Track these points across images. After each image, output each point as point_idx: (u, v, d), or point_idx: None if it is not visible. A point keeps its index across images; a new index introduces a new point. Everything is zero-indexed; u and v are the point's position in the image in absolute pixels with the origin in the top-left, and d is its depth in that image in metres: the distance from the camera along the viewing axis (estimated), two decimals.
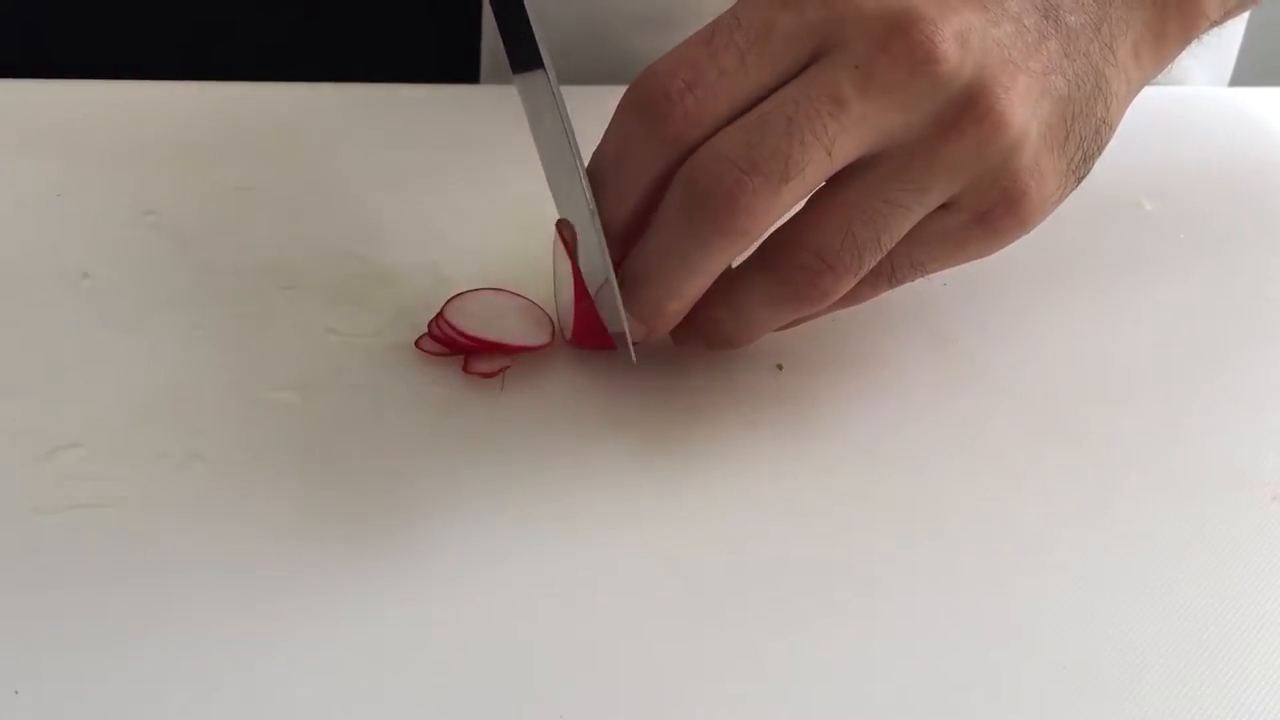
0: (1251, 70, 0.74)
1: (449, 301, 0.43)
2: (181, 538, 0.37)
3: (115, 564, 0.36)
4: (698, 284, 0.39)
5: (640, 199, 0.39)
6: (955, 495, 0.40)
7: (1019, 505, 0.40)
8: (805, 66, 0.37)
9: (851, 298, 0.40)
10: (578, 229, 0.40)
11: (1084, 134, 0.40)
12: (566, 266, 0.41)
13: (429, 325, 0.43)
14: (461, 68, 0.68)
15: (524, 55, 0.40)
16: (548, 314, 0.44)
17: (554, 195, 0.42)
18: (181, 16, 0.75)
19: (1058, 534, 0.39)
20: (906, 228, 0.39)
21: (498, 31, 0.41)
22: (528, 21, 0.40)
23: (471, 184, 0.52)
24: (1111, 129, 0.42)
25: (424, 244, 0.48)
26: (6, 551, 0.36)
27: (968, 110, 0.37)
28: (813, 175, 0.37)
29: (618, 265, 0.40)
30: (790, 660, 0.35)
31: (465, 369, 0.43)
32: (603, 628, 0.36)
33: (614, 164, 0.39)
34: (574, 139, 0.40)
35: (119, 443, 0.40)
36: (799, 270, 0.38)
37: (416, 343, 0.43)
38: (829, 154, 0.37)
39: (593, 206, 0.39)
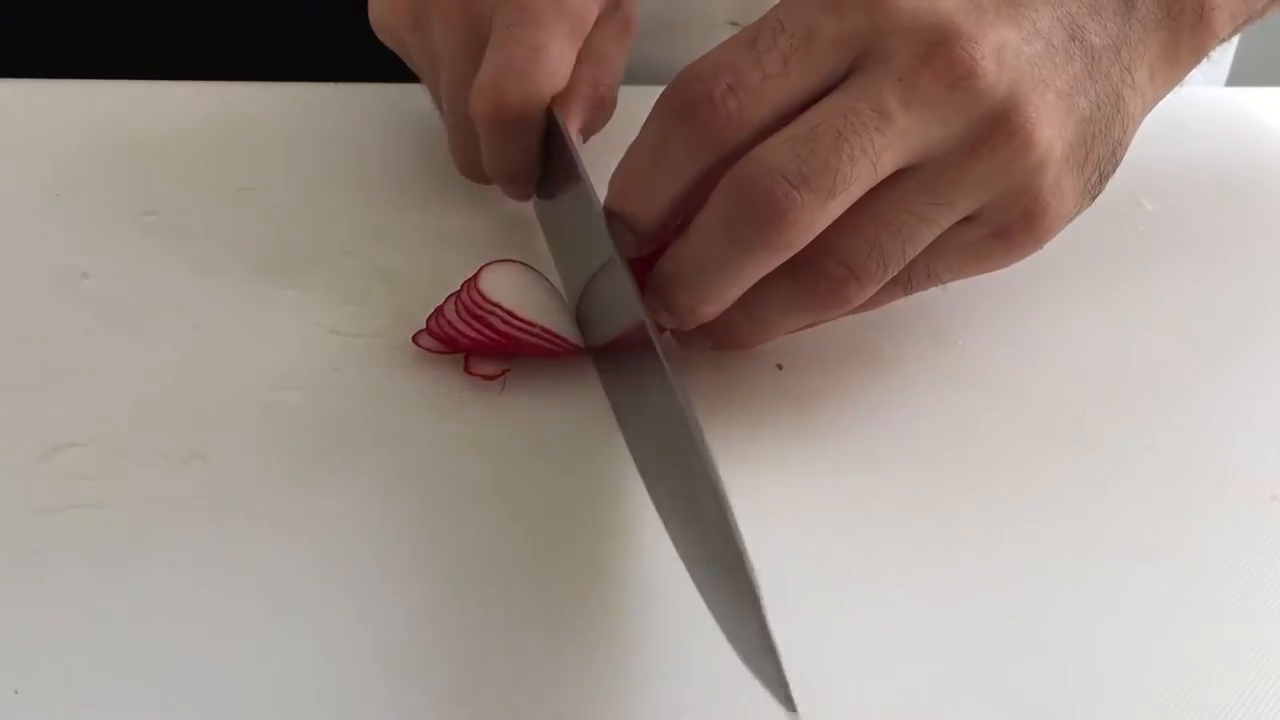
0: (1248, 70, 0.74)
1: (481, 269, 0.43)
2: (181, 538, 0.37)
3: (115, 564, 0.36)
4: (735, 291, 0.39)
5: (674, 198, 0.39)
6: (956, 495, 0.40)
7: (1019, 504, 0.40)
8: (845, 74, 0.38)
9: (865, 305, 0.40)
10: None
11: (1102, 155, 0.41)
12: None
13: (427, 321, 0.43)
14: None
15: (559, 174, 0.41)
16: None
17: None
18: (182, 17, 0.75)
19: (1058, 533, 0.39)
20: (930, 239, 0.39)
21: None
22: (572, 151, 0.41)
23: (470, 183, 0.52)
24: (1125, 149, 0.42)
25: (424, 244, 0.48)
26: (6, 551, 0.36)
27: (1000, 127, 0.37)
28: (858, 190, 0.37)
29: (648, 262, 0.40)
30: (790, 659, 0.35)
31: (466, 369, 0.43)
32: (603, 628, 0.36)
33: (650, 161, 0.39)
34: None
35: (119, 443, 0.40)
36: (824, 278, 0.38)
37: (414, 339, 0.43)
38: (874, 168, 0.37)
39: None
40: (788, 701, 0.31)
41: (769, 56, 0.37)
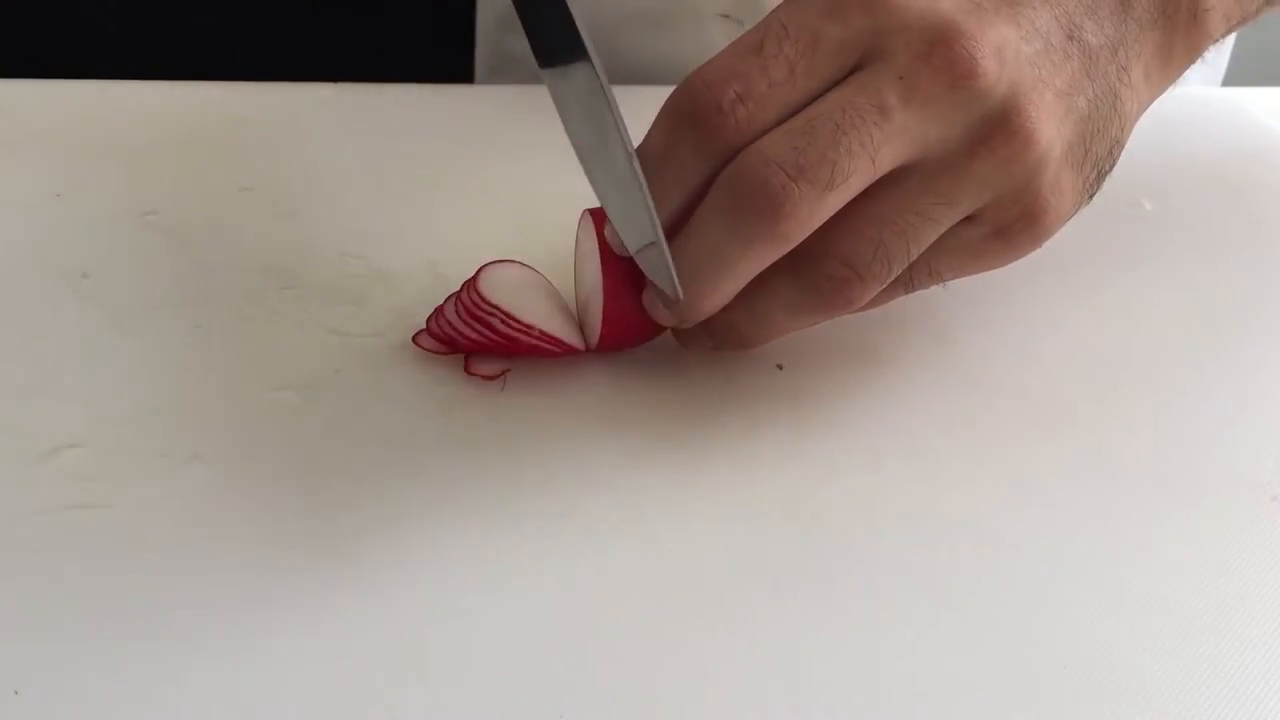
0: (1245, 71, 0.74)
1: (480, 270, 0.43)
2: (181, 538, 0.37)
3: (115, 564, 0.36)
4: (734, 285, 0.39)
5: (680, 203, 0.39)
6: (956, 494, 0.40)
7: (1019, 505, 0.40)
8: (849, 73, 0.38)
9: (868, 304, 0.40)
10: (617, 194, 0.39)
11: (1099, 154, 0.41)
12: (596, 261, 0.41)
13: (427, 321, 0.43)
14: (455, 70, 0.68)
15: (562, 46, 0.39)
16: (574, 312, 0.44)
17: (590, 176, 0.41)
18: (180, 17, 0.75)
19: (1057, 534, 0.39)
20: (933, 239, 0.39)
21: (513, 31, 0.40)
22: (568, 13, 0.39)
23: (470, 184, 0.52)
24: (1122, 148, 0.42)
25: (423, 244, 0.48)
26: (6, 551, 0.36)
27: (1000, 126, 0.38)
28: (856, 184, 0.37)
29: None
30: (790, 659, 0.35)
31: (466, 370, 0.43)
32: (603, 627, 0.36)
33: (657, 168, 0.39)
34: (619, 115, 0.39)
35: (119, 443, 0.40)
36: (828, 279, 0.39)
37: (414, 339, 0.43)
38: (873, 163, 0.37)
39: (638, 170, 0.39)
40: (672, 288, 0.38)
41: (775, 64, 0.37)
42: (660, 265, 0.40)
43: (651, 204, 0.39)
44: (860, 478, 0.41)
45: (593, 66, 0.39)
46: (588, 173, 0.40)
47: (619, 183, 0.39)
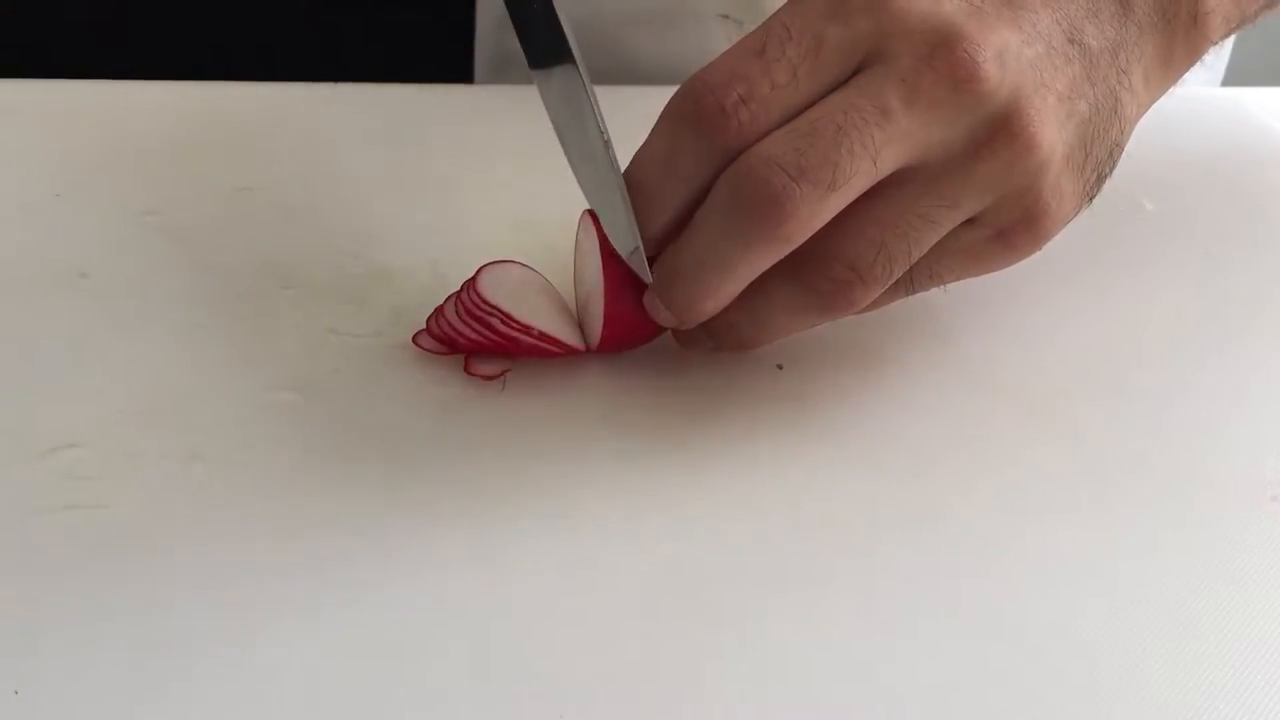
0: (1243, 72, 0.74)
1: (480, 270, 0.43)
2: (181, 538, 0.37)
3: (115, 564, 0.36)
4: (734, 286, 0.39)
5: (682, 206, 0.39)
6: (956, 495, 0.40)
7: (1020, 505, 0.40)
8: (850, 77, 0.38)
9: (868, 305, 0.40)
10: (603, 198, 0.40)
11: (1100, 157, 0.41)
12: (597, 262, 0.41)
13: (427, 321, 0.43)
14: (455, 70, 0.68)
15: (548, 50, 0.40)
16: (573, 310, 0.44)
17: (578, 178, 0.41)
18: (180, 17, 0.75)
19: (1058, 534, 0.39)
20: (935, 241, 0.39)
21: (512, 30, 0.41)
22: (555, 17, 0.40)
23: (470, 183, 0.52)
24: (1122, 151, 0.42)
25: (423, 244, 0.48)
26: (6, 551, 0.36)
27: (1002, 130, 0.38)
28: (857, 185, 0.37)
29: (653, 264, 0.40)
30: (791, 660, 0.35)
31: (466, 370, 0.43)
32: (603, 628, 0.36)
33: (661, 170, 0.39)
34: (602, 120, 0.40)
35: (119, 443, 0.40)
36: (829, 281, 0.39)
37: (414, 339, 0.43)
38: (874, 164, 0.37)
39: (619, 176, 0.39)
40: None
41: (778, 66, 0.37)
42: (640, 270, 0.40)
43: (630, 211, 0.39)
44: (861, 478, 0.41)
45: (577, 71, 0.39)
46: (576, 175, 0.40)
47: (603, 187, 0.40)
